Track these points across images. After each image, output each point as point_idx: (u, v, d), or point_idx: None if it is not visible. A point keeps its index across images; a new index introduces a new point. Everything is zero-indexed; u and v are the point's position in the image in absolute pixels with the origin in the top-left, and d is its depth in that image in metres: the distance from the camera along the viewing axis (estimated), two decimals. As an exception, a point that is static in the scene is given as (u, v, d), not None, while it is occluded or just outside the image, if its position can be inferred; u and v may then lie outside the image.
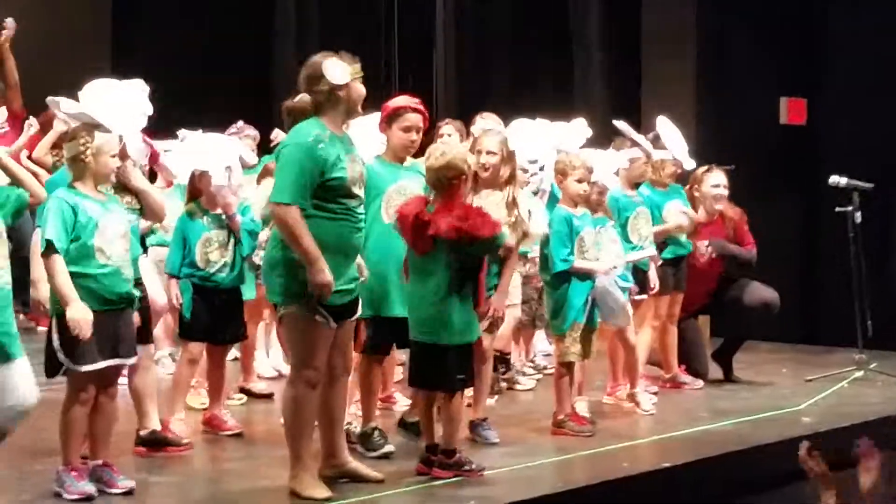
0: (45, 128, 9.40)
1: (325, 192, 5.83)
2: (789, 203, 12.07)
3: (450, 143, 6.77)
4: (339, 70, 5.93)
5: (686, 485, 6.72)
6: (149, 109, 6.62)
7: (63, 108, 6.38)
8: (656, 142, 8.53)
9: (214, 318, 7.13)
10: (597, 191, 7.61)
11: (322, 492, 5.90)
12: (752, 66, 12.04)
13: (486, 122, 8.46)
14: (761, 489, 6.96)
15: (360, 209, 5.99)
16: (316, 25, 14.19)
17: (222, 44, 13.56)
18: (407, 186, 6.70)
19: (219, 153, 7.20)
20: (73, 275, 5.77)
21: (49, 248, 5.76)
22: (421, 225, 6.24)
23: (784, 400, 8.55)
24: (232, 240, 7.20)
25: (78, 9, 13.40)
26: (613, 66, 12.59)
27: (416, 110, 6.78)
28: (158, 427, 6.75)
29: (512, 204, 7.03)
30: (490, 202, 6.95)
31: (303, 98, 5.99)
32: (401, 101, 6.85)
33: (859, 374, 9.30)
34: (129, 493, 5.94)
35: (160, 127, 7.38)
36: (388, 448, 6.73)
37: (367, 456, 6.61)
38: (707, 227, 9.17)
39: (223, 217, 7.17)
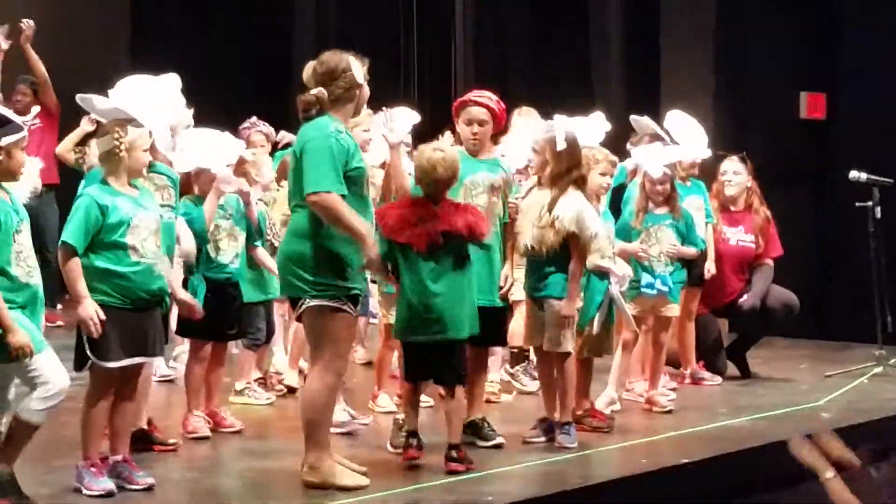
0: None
1: (347, 183, 5.93)
2: (808, 198, 12.04)
3: (443, 144, 6.73)
4: (359, 70, 6.08)
5: (705, 481, 6.71)
6: (181, 103, 6.65)
7: (97, 104, 6.40)
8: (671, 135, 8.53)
9: (221, 314, 7.09)
10: (657, 184, 7.74)
11: (362, 479, 6.03)
12: (772, 61, 12.00)
13: (524, 118, 8.43)
14: (780, 486, 6.94)
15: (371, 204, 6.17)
16: (334, 23, 14.20)
17: (241, 41, 13.59)
18: (480, 180, 6.87)
19: (219, 149, 7.19)
20: (105, 272, 5.81)
21: (65, 247, 5.79)
22: (430, 221, 6.29)
23: (803, 396, 8.53)
24: (239, 230, 7.22)
25: (96, 5, 13.44)
26: (632, 61, 12.56)
27: (477, 103, 6.90)
28: (145, 426, 6.75)
29: (547, 207, 6.90)
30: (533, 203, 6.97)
31: (321, 92, 6.03)
32: (468, 94, 7.02)
33: (878, 369, 9.28)
34: (148, 489, 5.97)
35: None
36: (500, 439, 6.89)
37: (479, 445, 6.79)
38: (734, 216, 9.19)
39: (227, 208, 7.19)
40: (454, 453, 6.40)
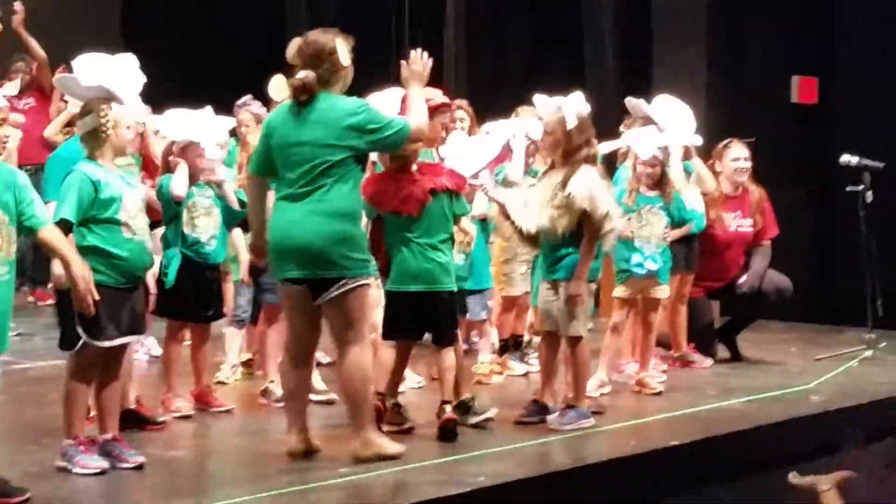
0: None
1: None
2: (800, 182, 12.05)
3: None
4: (345, 51, 6.13)
5: (694, 463, 6.74)
6: (142, 79, 6.63)
7: (77, 84, 6.37)
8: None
9: (198, 295, 7.08)
10: (647, 166, 7.88)
11: (401, 447, 6.19)
12: (764, 45, 12.01)
13: (525, 115, 8.44)
14: (769, 467, 6.97)
15: None
16: (331, 3, 14.19)
17: (235, 20, 13.56)
18: None
19: (209, 127, 7.19)
20: (100, 251, 5.81)
21: (63, 224, 5.74)
22: (414, 184, 6.51)
23: (793, 379, 8.56)
24: (217, 210, 7.18)
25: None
26: (625, 44, 12.56)
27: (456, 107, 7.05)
28: (132, 405, 6.74)
29: (560, 186, 6.90)
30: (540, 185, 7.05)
31: (308, 76, 6.07)
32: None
33: (868, 353, 9.31)
34: (139, 467, 5.98)
35: (172, 104, 7.39)
36: (492, 412, 6.97)
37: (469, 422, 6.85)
38: (731, 201, 9.21)
39: (206, 186, 7.17)
40: (447, 408, 6.49)
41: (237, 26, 13.96)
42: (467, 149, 7.93)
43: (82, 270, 5.53)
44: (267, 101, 7.88)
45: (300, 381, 6.27)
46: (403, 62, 6.41)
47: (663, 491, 6.49)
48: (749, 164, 9.24)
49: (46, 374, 7.99)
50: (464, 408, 6.91)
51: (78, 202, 5.78)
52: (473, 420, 6.89)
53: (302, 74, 6.07)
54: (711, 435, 6.98)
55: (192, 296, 7.04)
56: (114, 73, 6.27)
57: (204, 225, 7.13)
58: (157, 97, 7.31)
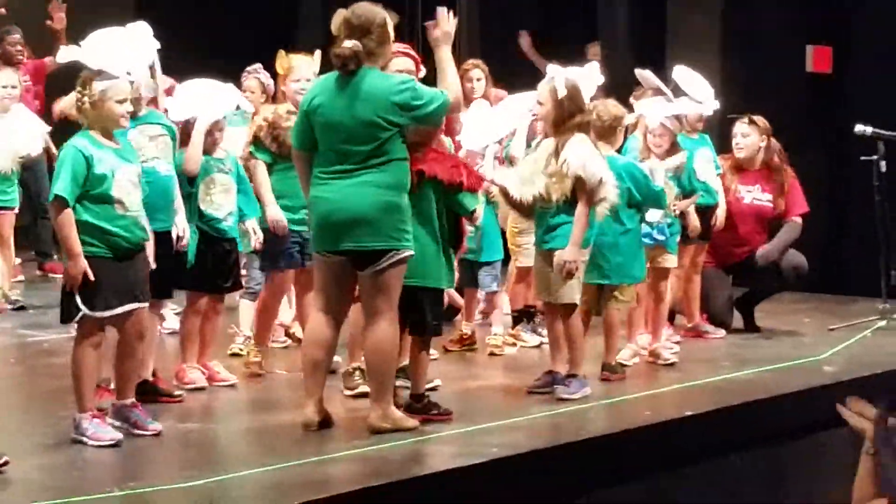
0: None
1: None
2: (815, 152, 11.98)
3: None
4: (392, 26, 6.13)
5: (708, 433, 6.74)
6: (154, 45, 6.60)
7: (59, 58, 6.35)
8: (677, 91, 8.50)
9: (217, 266, 7.09)
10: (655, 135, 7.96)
11: (415, 421, 6.20)
12: (778, 14, 11.94)
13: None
14: (783, 438, 6.99)
15: None
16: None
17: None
18: None
19: (218, 99, 7.15)
20: (93, 227, 5.83)
21: (58, 201, 5.80)
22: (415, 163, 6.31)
23: (806, 349, 8.54)
24: (234, 187, 7.17)
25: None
26: (638, 14, 12.50)
27: (403, 54, 6.72)
28: (150, 377, 6.76)
29: (553, 154, 6.95)
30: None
31: (356, 45, 6.05)
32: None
33: (882, 323, 9.29)
34: (156, 435, 6.02)
35: (183, 77, 7.38)
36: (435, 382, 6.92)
37: (346, 394, 6.85)
38: (749, 174, 9.20)
39: (227, 163, 7.15)
40: (416, 404, 6.44)
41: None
42: (485, 120, 7.92)
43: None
44: (276, 74, 7.86)
45: (324, 354, 6.24)
46: (430, 23, 6.30)
47: (677, 461, 6.49)
48: (747, 141, 9.18)
49: (60, 347, 8.02)
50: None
51: (72, 178, 5.81)
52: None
53: (350, 44, 6.04)
54: (725, 405, 6.98)
55: (210, 267, 7.04)
56: (115, 45, 6.23)
57: (221, 201, 7.11)
58: (169, 67, 7.28)
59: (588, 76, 7.44)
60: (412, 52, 6.86)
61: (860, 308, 9.82)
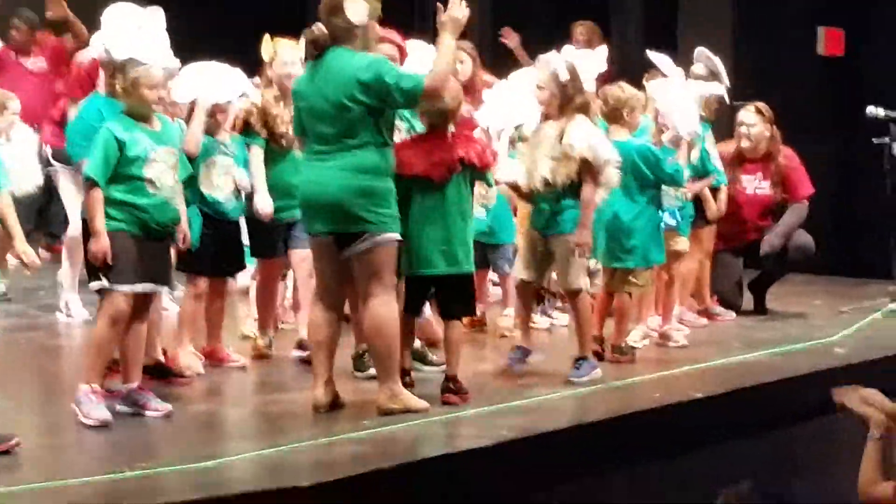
0: None
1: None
2: (826, 134, 11.97)
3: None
4: (359, 8, 6.04)
5: (718, 415, 6.74)
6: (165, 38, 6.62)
7: (89, 52, 6.38)
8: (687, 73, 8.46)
9: (219, 249, 7.05)
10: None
11: (424, 403, 6.18)
12: (790, -4, 11.93)
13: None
14: (793, 420, 6.98)
15: None
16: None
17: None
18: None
19: (222, 82, 7.14)
20: (123, 204, 5.95)
21: (89, 181, 5.96)
22: (446, 150, 6.34)
23: (817, 331, 8.53)
24: (236, 168, 7.14)
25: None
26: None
27: (386, 40, 6.74)
28: (161, 358, 6.77)
29: (558, 137, 6.95)
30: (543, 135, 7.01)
31: (321, 29, 6.07)
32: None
33: (893, 306, 9.26)
34: (167, 416, 6.05)
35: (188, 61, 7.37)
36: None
37: (355, 376, 6.86)
38: (752, 164, 9.17)
39: (229, 146, 7.14)
40: (451, 384, 6.45)
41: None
42: (507, 101, 7.89)
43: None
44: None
45: (329, 333, 6.26)
46: (440, 6, 6.24)
47: (688, 443, 6.49)
48: (754, 130, 9.13)
49: (72, 329, 8.06)
50: (417, 356, 6.92)
51: (104, 161, 5.95)
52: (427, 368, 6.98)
53: (314, 27, 6.08)
54: (736, 387, 6.97)
55: (212, 250, 6.99)
56: (143, 31, 6.31)
57: (222, 184, 7.09)
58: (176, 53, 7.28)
59: (590, 59, 7.45)
60: (396, 39, 6.91)
61: (871, 290, 9.80)
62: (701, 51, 8.76)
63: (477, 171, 6.50)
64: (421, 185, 6.37)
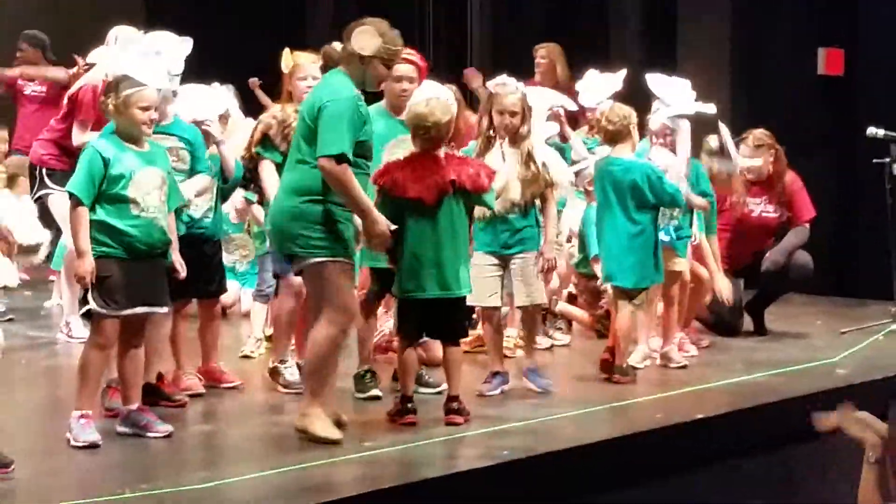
0: None
1: (358, 149, 5.95)
2: (826, 154, 11.98)
3: (437, 95, 6.70)
4: (366, 41, 6.04)
5: (720, 436, 6.72)
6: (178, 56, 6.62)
7: (108, 69, 6.37)
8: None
9: (199, 269, 6.77)
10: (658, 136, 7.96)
11: (336, 433, 6.01)
12: (790, 16, 11.93)
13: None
14: (795, 441, 6.96)
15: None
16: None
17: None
18: (408, 139, 6.68)
19: (210, 102, 7.16)
20: (106, 226, 5.88)
21: (73, 199, 5.90)
22: (438, 172, 6.33)
23: (818, 352, 8.52)
24: (215, 185, 7.07)
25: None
26: (649, 16, 12.49)
27: (406, 60, 6.83)
28: (154, 380, 6.71)
29: (528, 158, 7.06)
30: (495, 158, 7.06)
31: (334, 48, 6.14)
32: None
33: (894, 326, 9.26)
34: (167, 436, 6.03)
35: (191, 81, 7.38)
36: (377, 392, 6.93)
37: (356, 397, 6.89)
38: (757, 187, 9.16)
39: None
40: (454, 405, 6.43)
41: (259, 3, 13.93)
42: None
43: None
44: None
45: None
46: (469, 70, 6.44)
47: (690, 464, 6.47)
48: (754, 163, 9.10)
49: (71, 349, 8.03)
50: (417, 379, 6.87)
51: (88, 178, 5.89)
52: (425, 391, 6.94)
53: (328, 46, 6.17)
54: (737, 408, 6.97)
55: (193, 271, 6.64)
56: (140, 52, 6.31)
57: (197, 200, 6.95)
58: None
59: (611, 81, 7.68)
60: (415, 59, 6.99)
61: (872, 311, 9.79)
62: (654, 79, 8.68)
63: (473, 195, 6.49)
64: (413, 208, 6.34)
